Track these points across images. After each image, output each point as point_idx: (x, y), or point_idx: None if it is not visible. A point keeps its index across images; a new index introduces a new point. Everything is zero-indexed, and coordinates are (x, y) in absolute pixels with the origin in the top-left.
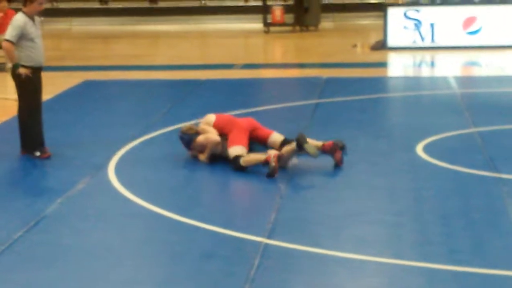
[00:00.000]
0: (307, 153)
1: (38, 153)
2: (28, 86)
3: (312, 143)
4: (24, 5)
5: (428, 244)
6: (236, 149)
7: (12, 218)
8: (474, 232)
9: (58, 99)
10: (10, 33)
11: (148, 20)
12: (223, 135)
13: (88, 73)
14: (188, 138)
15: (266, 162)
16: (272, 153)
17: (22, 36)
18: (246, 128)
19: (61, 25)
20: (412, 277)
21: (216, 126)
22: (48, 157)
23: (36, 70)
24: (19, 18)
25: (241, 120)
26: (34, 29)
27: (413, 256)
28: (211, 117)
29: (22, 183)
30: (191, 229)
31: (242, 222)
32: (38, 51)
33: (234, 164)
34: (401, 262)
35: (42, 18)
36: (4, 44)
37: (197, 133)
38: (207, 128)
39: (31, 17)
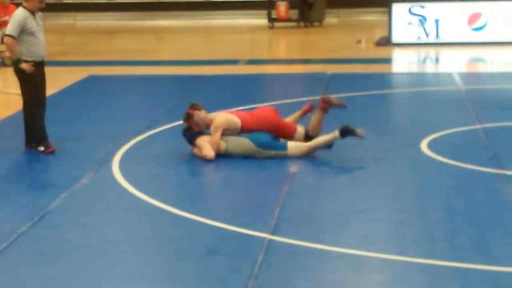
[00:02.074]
0: (355, 136)
1: (42, 148)
2: (30, 81)
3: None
4: (25, 0)
5: (432, 241)
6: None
7: (16, 213)
8: (478, 228)
9: (63, 94)
10: (10, 28)
11: (153, 15)
12: (259, 130)
13: (92, 68)
14: (190, 135)
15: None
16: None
17: (23, 31)
18: (276, 119)
19: (65, 19)
20: (416, 274)
21: (244, 127)
22: (53, 152)
23: (38, 65)
24: (19, 13)
25: (267, 111)
26: (35, 24)
27: (417, 252)
28: (236, 120)
29: (26, 177)
30: (195, 225)
31: (246, 218)
32: (39, 45)
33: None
34: (405, 259)
35: (41, 14)
36: (6, 39)
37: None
38: (204, 144)
39: (32, 12)
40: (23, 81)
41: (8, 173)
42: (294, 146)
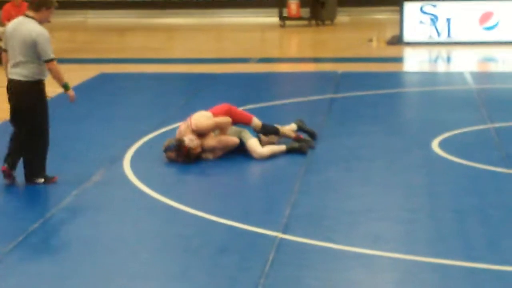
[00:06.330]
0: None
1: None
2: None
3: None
4: (37, 10)
5: (442, 241)
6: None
7: (27, 210)
8: (489, 228)
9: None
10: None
11: (164, 13)
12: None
13: (103, 66)
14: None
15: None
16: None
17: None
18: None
19: (76, 17)
20: (427, 273)
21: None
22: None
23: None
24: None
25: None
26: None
27: (428, 252)
28: (227, 118)
29: None
30: (206, 223)
31: (257, 216)
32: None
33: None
34: (415, 258)
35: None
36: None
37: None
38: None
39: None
40: None
41: (19, 171)
42: (257, 143)
